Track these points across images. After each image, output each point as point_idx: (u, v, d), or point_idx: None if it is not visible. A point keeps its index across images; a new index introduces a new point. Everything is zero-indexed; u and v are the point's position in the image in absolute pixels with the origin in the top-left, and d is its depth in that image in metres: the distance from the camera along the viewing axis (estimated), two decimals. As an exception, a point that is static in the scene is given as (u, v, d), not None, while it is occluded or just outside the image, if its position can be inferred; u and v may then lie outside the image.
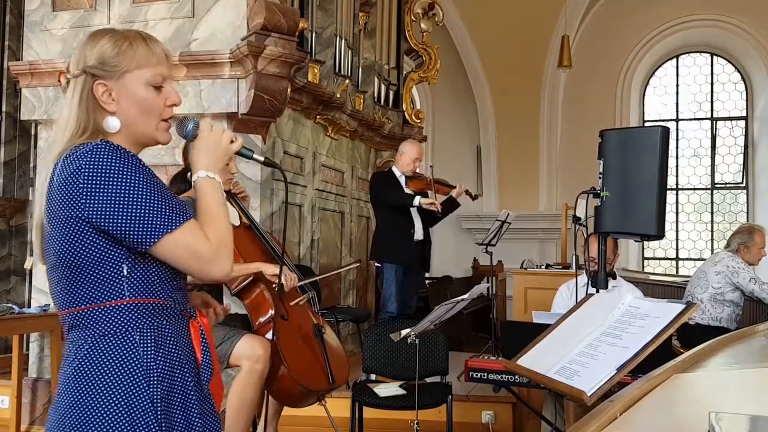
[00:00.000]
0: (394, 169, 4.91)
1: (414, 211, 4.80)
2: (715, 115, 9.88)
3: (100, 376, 1.31)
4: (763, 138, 9.44)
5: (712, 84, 9.90)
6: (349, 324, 5.52)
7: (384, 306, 4.78)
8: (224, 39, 4.20)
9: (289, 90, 4.27)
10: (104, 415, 1.29)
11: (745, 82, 9.71)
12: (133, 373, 1.32)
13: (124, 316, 1.33)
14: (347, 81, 5.40)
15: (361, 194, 6.07)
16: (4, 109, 5.37)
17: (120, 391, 1.31)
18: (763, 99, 9.39)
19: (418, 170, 4.91)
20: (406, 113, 6.78)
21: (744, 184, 9.66)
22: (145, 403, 1.31)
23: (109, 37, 1.42)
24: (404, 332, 3.07)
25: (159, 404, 1.32)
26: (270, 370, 2.73)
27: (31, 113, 4.60)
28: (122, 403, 1.30)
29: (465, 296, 3.14)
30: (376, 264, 5.48)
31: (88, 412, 1.30)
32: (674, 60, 10.04)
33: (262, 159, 1.61)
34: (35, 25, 4.60)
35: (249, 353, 2.70)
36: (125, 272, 1.33)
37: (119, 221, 1.28)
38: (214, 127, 1.49)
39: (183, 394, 1.38)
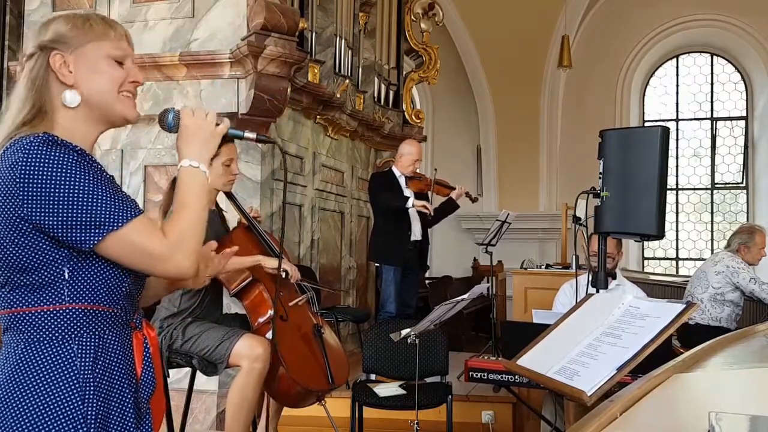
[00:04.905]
0: (394, 169, 4.90)
1: (413, 212, 4.80)
2: (715, 115, 9.88)
3: (30, 386, 1.21)
4: (763, 138, 9.44)
5: (712, 84, 9.90)
6: (349, 324, 5.52)
7: (383, 306, 4.78)
8: (224, 39, 4.20)
9: (289, 90, 4.27)
10: (28, 428, 1.19)
11: (745, 82, 9.71)
12: (67, 385, 1.22)
13: (63, 322, 1.24)
14: (347, 81, 5.40)
15: (361, 194, 6.07)
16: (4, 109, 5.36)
17: (50, 404, 1.21)
18: (763, 99, 9.39)
19: (418, 170, 4.91)
20: (406, 113, 6.78)
21: (744, 184, 9.66)
22: (76, 420, 1.21)
23: (64, 15, 1.36)
24: (404, 332, 3.06)
25: (93, 422, 1.22)
26: (269, 370, 2.72)
27: (31, 113, 4.59)
28: (51, 418, 1.20)
29: (465, 296, 3.14)
30: (375, 264, 5.48)
31: (11, 424, 1.19)
32: (674, 60, 10.04)
33: (254, 136, 1.48)
34: (35, 25, 4.59)
35: (248, 352, 2.70)
36: (66, 275, 1.23)
37: (58, 218, 1.19)
38: (197, 111, 1.39)
39: (120, 413, 1.28)
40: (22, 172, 1.19)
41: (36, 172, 1.18)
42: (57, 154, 1.20)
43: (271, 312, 2.88)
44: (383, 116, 6.34)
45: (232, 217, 3.15)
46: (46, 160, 1.19)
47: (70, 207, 1.19)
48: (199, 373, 2.93)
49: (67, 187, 1.19)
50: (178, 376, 3.43)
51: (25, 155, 1.19)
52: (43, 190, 1.19)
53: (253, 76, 4.07)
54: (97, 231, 1.20)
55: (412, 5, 6.91)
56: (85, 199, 1.20)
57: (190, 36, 4.27)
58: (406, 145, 4.93)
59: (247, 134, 1.47)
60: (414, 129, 6.73)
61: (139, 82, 1.39)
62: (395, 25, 6.65)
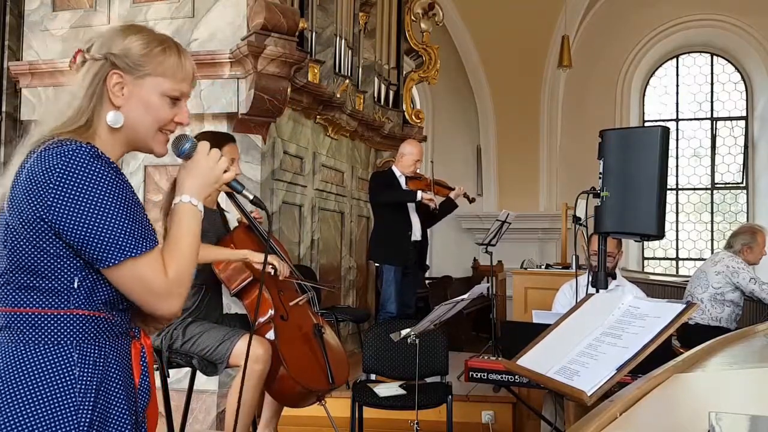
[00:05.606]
0: (394, 168, 4.91)
1: (412, 212, 4.81)
2: (715, 115, 9.88)
3: (25, 387, 1.20)
4: (763, 138, 9.44)
5: (712, 84, 9.90)
6: (349, 324, 5.52)
7: (383, 306, 4.78)
8: (224, 39, 4.20)
9: (289, 90, 4.27)
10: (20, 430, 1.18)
11: (745, 82, 9.71)
12: (64, 393, 1.21)
13: (66, 327, 1.23)
14: (347, 81, 5.40)
15: (361, 194, 6.07)
16: (4, 109, 5.36)
17: (43, 410, 1.19)
18: (763, 99, 9.39)
19: (418, 171, 4.91)
20: (406, 113, 6.78)
21: (744, 184, 9.66)
22: (68, 429, 1.20)
23: (144, 34, 1.34)
24: (404, 332, 3.06)
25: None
26: (270, 370, 2.72)
27: (31, 113, 4.60)
28: (42, 423, 1.19)
29: (465, 296, 3.14)
30: (375, 264, 5.48)
31: (1, 425, 1.18)
32: (674, 60, 10.04)
33: (251, 196, 1.51)
34: (35, 25, 4.60)
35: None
36: (75, 284, 1.23)
37: (83, 232, 1.19)
38: (213, 152, 1.40)
39: (118, 424, 1.27)
40: (59, 178, 1.19)
41: (73, 182, 1.19)
42: (97, 168, 1.21)
43: (272, 312, 2.88)
44: (383, 116, 6.34)
45: (234, 218, 3.15)
46: (86, 172, 1.20)
47: (98, 224, 1.20)
48: (199, 373, 2.93)
49: (99, 203, 1.20)
50: (178, 376, 3.43)
51: (67, 162, 1.19)
52: (76, 201, 1.19)
53: (253, 76, 4.07)
54: (117, 253, 1.21)
55: (412, 5, 6.91)
56: (114, 220, 1.20)
57: (190, 36, 4.27)
58: (407, 145, 4.94)
59: (246, 192, 1.50)
60: (414, 129, 6.73)
61: (184, 123, 1.39)
62: (395, 25, 6.65)
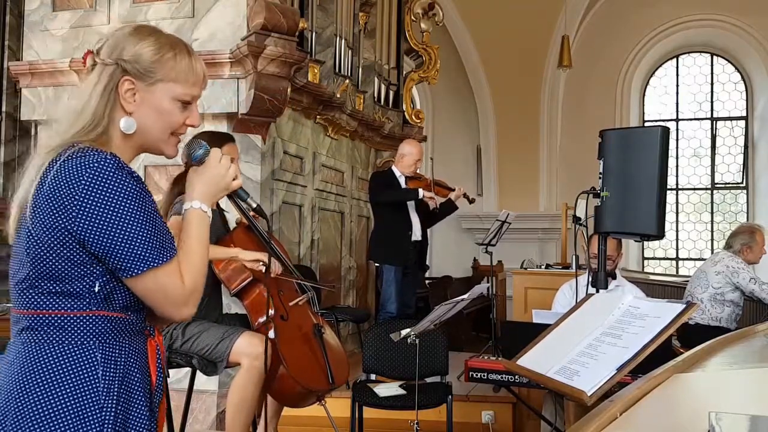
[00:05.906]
0: (394, 168, 4.91)
1: (412, 212, 4.81)
2: (715, 115, 9.88)
3: (51, 386, 1.22)
4: (763, 138, 9.44)
5: (712, 84, 9.90)
6: (349, 324, 5.52)
7: (383, 306, 4.78)
8: (224, 39, 4.20)
9: (289, 90, 4.27)
10: (45, 427, 1.20)
11: (745, 82, 9.71)
12: (88, 392, 1.24)
13: (89, 327, 1.26)
14: (347, 81, 5.40)
15: (361, 194, 6.07)
16: (4, 109, 5.36)
17: (68, 407, 1.22)
18: (763, 99, 9.39)
19: (418, 171, 4.91)
20: (406, 113, 6.78)
21: (744, 184, 9.66)
22: (94, 426, 1.23)
23: (155, 39, 1.34)
24: (404, 332, 3.07)
25: (110, 430, 1.25)
26: (270, 370, 2.72)
27: (31, 113, 4.60)
28: (67, 422, 1.21)
29: (465, 296, 3.14)
30: (375, 264, 5.49)
31: (24, 420, 1.20)
32: (674, 60, 10.04)
33: (254, 205, 1.56)
34: (35, 25, 4.60)
35: (249, 350, 2.70)
36: (96, 289, 1.26)
37: (107, 243, 1.22)
38: (224, 159, 1.43)
39: (137, 422, 1.30)
40: (84, 189, 1.21)
41: (97, 194, 1.21)
42: (121, 179, 1.23)
43: (272, 312, 2.88)
44: (383, 116, 6.33)
45: (233, 218, 3.15)
46: (110, 184, 1.22)
47: (121, 235, 1.22)
48: (199, 373, 2.93)
49: (123, 215, 1.22)
50: (178, 376, 3.43)
51: (91, 173, 1.21)
52: (101, 212, 1.21)
53: (253, 76, 4.07)
54: (140, 264, 1.24)
55: (412, 5, 6.91)
56: (136, 231, 1.23)
57: (190, 36, 4.26)
58: (407, 146, 4.93)
59: (249, 200, 1.54)
60: (414, 129, 6.73)
61: (195, 125, 1.41)
62: (395, 25, 6.65)
